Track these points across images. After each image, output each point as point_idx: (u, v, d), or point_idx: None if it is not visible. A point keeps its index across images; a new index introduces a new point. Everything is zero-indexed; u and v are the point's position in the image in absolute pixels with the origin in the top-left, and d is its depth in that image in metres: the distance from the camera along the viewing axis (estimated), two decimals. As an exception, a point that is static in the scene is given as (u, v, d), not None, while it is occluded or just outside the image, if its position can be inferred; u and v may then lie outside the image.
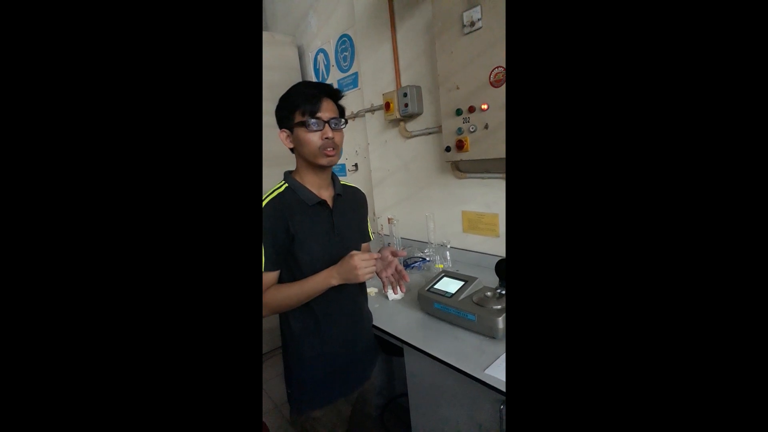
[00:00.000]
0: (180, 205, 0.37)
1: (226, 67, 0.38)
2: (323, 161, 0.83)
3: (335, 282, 0.81)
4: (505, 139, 0.93)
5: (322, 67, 2.24)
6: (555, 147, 0.34)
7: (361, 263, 0.78)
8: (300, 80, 2.33)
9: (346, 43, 2.00)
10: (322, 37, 2.17)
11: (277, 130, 0.86)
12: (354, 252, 0.81)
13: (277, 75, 2.16)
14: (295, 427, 0.96)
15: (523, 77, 0.36)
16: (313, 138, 0.81)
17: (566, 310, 0.34)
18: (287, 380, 0.95)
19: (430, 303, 1.12)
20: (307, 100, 0.81)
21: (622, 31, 0.32)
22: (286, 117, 0.83)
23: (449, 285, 1.13)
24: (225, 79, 0.38)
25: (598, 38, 0.33)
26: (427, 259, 1.55)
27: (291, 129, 0.83)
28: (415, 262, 1.55)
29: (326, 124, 0.81)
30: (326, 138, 0.81)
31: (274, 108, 0.86)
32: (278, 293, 0.82)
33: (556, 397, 0.34)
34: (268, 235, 0.80)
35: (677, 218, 0.31)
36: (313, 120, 0.80)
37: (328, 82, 2.21)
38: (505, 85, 1.15)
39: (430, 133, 1.60)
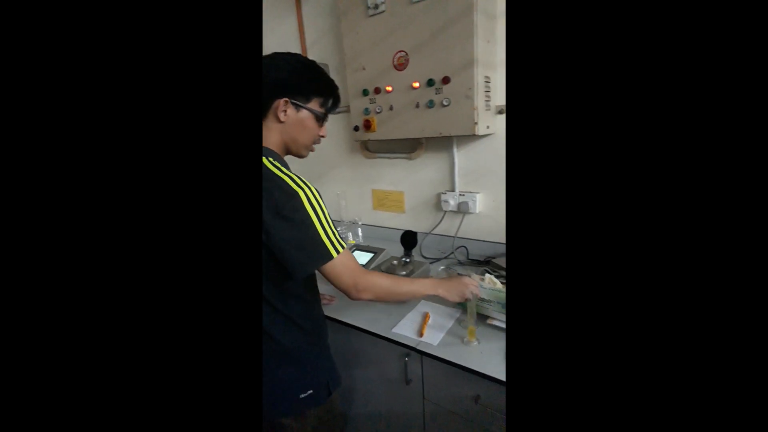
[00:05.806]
0: (177, 188, 0.35)
1: (224, 49, 0.36)
2: (305, 153, 0.83)
3: (439, 293, 0.85)
4: (505, 124, 1.01)
5: (220, 35, 2.06)
6: (554, 134, 0.34)
7: (472, 286, 0.86)
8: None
9: (247, 12, 1.87)
10: (219, 1, 1.98)
11: None
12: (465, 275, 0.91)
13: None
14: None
15: (522, 74, 0.35)
16: (315, 131, 0.80)
17: (565, 303, 0.34)
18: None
19: (342, 275, 1.17)
20: (334, 93, 0.80)
21: (620, 29, 0.31)
22: (301, 93, 0.75)
23: (360, 257, 1.20)
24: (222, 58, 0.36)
25: (598, 37, 0.32)
26: (340, 236, 1.60)
27: (297, 107, 0.75)
28: (328, 239, 1.58)
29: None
30: (320, 135, 0.82)
31: None
32: (391, 283, 0.81)
33: (554, 388, 0.34)
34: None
35: (678, 213, 0.31)
36: (326, 116, 0.80)
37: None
38: (407, 69, 1.22)
39: (339, 113, 1.62)
